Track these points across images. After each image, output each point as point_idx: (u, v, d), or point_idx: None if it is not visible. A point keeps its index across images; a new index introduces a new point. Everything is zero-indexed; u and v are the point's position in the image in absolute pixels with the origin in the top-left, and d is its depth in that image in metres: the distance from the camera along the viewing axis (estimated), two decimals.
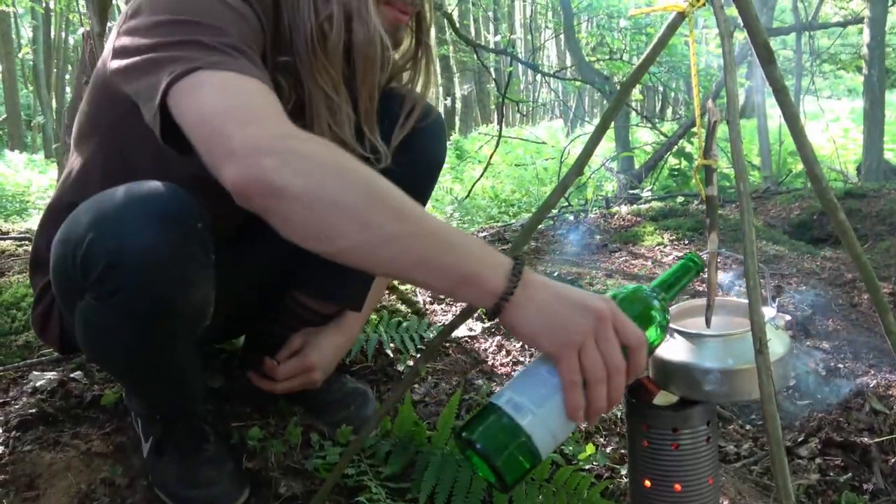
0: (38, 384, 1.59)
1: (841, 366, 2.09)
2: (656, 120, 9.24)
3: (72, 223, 1.10)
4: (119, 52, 1.10)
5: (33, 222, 5.02)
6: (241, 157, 0.90)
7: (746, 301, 1.10)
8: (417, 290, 2.34)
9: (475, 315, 2.07)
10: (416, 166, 1.43)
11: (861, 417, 1.86)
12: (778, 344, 1.16)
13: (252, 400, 1.60)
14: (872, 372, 2.06)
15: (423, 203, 1.55)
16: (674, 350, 1.19)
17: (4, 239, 2.66)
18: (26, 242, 2.63)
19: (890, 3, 7.17)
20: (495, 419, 0.96)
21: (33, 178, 9.41)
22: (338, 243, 0.91)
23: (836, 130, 8.56)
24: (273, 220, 0.92)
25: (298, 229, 0.92)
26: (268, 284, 1.54)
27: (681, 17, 1.22)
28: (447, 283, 0.93)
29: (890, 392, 1.96)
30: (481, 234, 3.77)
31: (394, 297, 2.27)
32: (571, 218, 3.95)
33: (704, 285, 1.18)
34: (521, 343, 2.07)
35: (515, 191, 8.82)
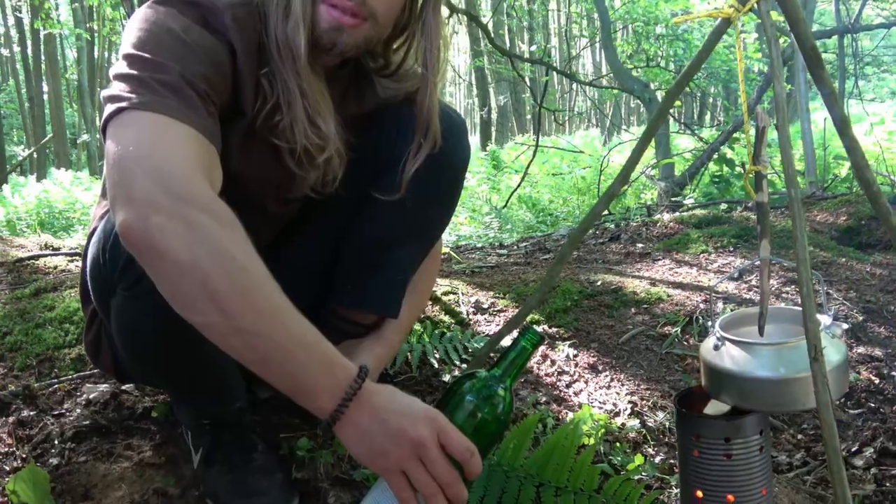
0: (91, 396, 1.63)
1: (895, 374, 2.04)
2: (695, 126, 9.13)
3: (105, 224, 1.18)
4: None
5: (79, 238, 5.13)
6: (136, 206, 0.93)
7: (800, 309, 1.08)
8: (461, 301, 2.34)
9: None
10: (439, 179, 1.43)
11: None
12: (833, 352, 1.14)
13: (300, 411, 1.61)
14: None
15: (452, 207, 1.52)
16: (726, 359, 1.18)
17: (56, 255, 2.72)
18: (77, 258, 2.69)
19: None
20: None
21: (78, 195, 9.60)
22: (195, 318, 0.95)
23: (880, 133, 8.36)
24: (149, 274, 0.96)
25: (166, 291, 0.95)
26: (304, 301, 1.55)
27: (726, 22, 1.21)
28: (286, 389, 0.98)
29: None
30: (521, 245, 3.76)
31: (437, 307, 2.27)
32: (613, 226, 3.92)
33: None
34: (565, 354, 2.06)
35: (553, 200, 8.77)
